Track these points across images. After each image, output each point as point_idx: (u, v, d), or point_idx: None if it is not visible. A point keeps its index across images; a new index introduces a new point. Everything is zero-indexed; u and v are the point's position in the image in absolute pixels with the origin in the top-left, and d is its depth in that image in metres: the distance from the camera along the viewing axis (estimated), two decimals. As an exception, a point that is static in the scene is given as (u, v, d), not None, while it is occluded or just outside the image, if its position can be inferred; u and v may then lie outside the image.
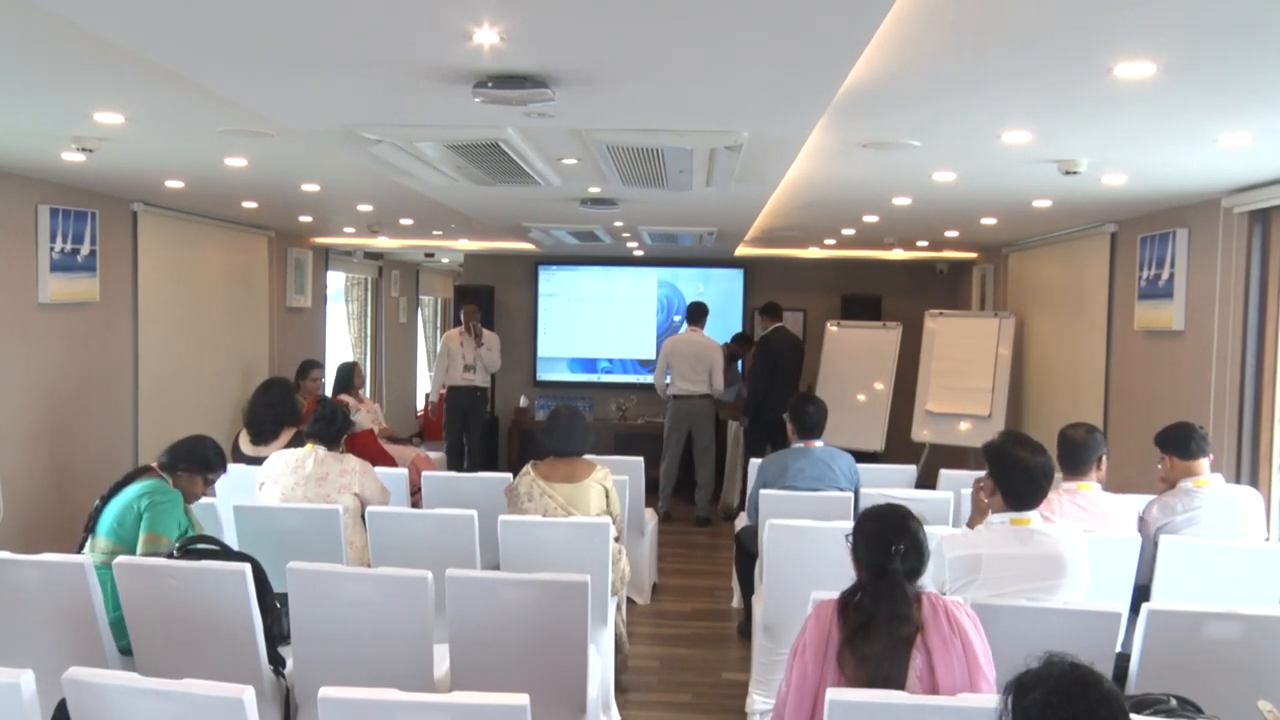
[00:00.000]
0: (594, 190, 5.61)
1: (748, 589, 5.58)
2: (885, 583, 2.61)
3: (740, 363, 9.53)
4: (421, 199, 5.97)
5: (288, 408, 5.69)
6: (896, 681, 2.52)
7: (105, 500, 3.89)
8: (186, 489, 4.00)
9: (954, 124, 3.77)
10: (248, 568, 3.41)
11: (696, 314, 8.85)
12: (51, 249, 5.73)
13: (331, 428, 4.83)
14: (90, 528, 3.86)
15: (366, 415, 7.76)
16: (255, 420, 5.67)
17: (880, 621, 2.56)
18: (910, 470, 6.11)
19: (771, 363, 8.51)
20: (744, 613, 5.81)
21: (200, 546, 3.65)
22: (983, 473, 3.41)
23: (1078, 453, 4.17)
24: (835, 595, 2.71)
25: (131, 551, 3.70)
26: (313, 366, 7.65)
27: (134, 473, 4.01)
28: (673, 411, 8.70)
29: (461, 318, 9.43)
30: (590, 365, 11.00)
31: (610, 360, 10.94)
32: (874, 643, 2.55)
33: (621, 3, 2.37)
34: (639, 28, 2.56)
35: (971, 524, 3.58)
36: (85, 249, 6.06)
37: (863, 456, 6.07)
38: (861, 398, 8.99)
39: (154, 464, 4.03)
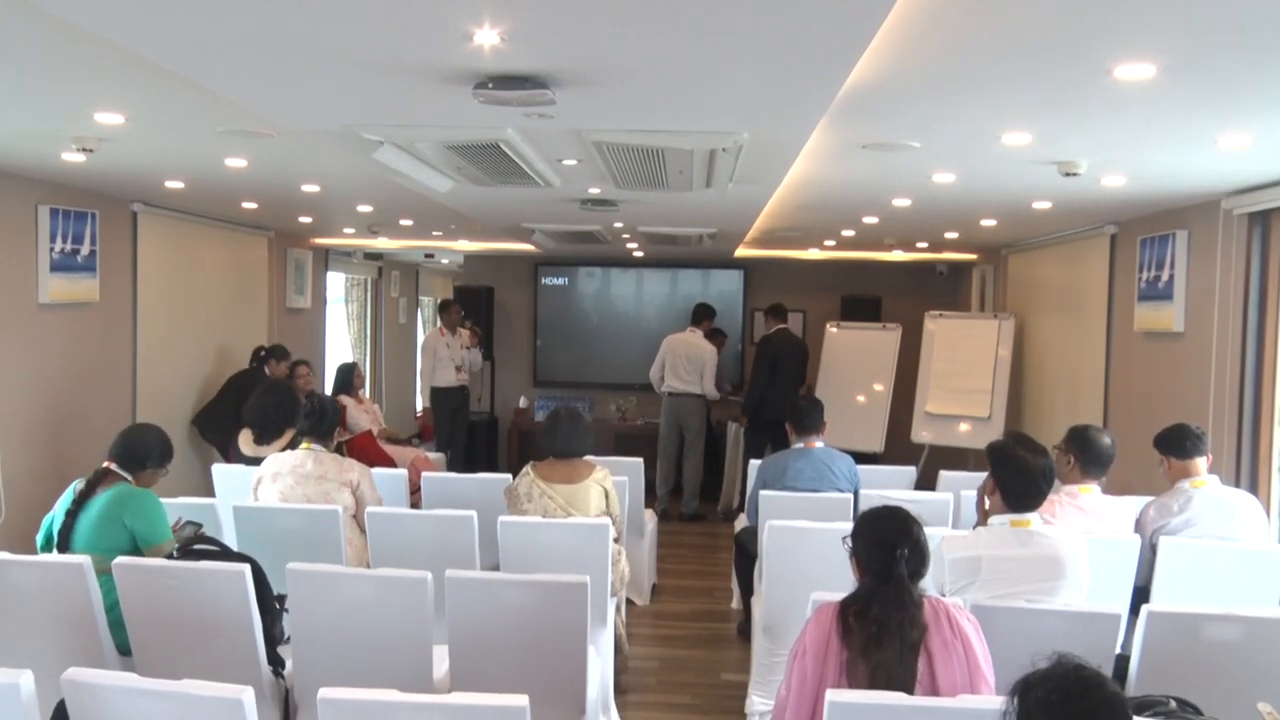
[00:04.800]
0: (594, 191, 5.61)
1: (747, 590, 5.58)
2: (892, 587, 2.60)
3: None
4: (421, 200, 5.97)
5: (292, 408, 5.69)
6: (907, 686, 2.51)
7: (74, 514, 3.79)
8: (150, 482, 3.99)
9: (954, 125, 3.77)
10: (247, 568, 3.41)
11: (698, 315, 9.10)
12: (51, 249, 5.73)
13: (323, 422, 4.82)
14: (63, 545, 3.76)
15: (366, 416, 7.76)
16: (263, 420, 5.67)
17: (892, 628, 2.55)
18: (910, 471, 6.12)
19: (771, 363, 8.57)
20: (743, 614, 5.81)
21: (200, 547, 3.65)
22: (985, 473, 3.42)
23: (1106, 456, 4.19)
24: (834, 597, 2.71)
25: (112, 559, 3.56)
26: (271, 355, 7.65)
27: (95, 480, 3.89)
28: (665, 408, 9.01)
29: (443, 318, 9.41)
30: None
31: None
32: (886, 650, 2.54)
33: (622, 4, 2.37)
34: (639, 29, 2.56)
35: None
36: (85, 249, 6.06)
37: (862, 458, 6.07)
38: (861, 399, 9.00)
39: (108, 465, 3.92)
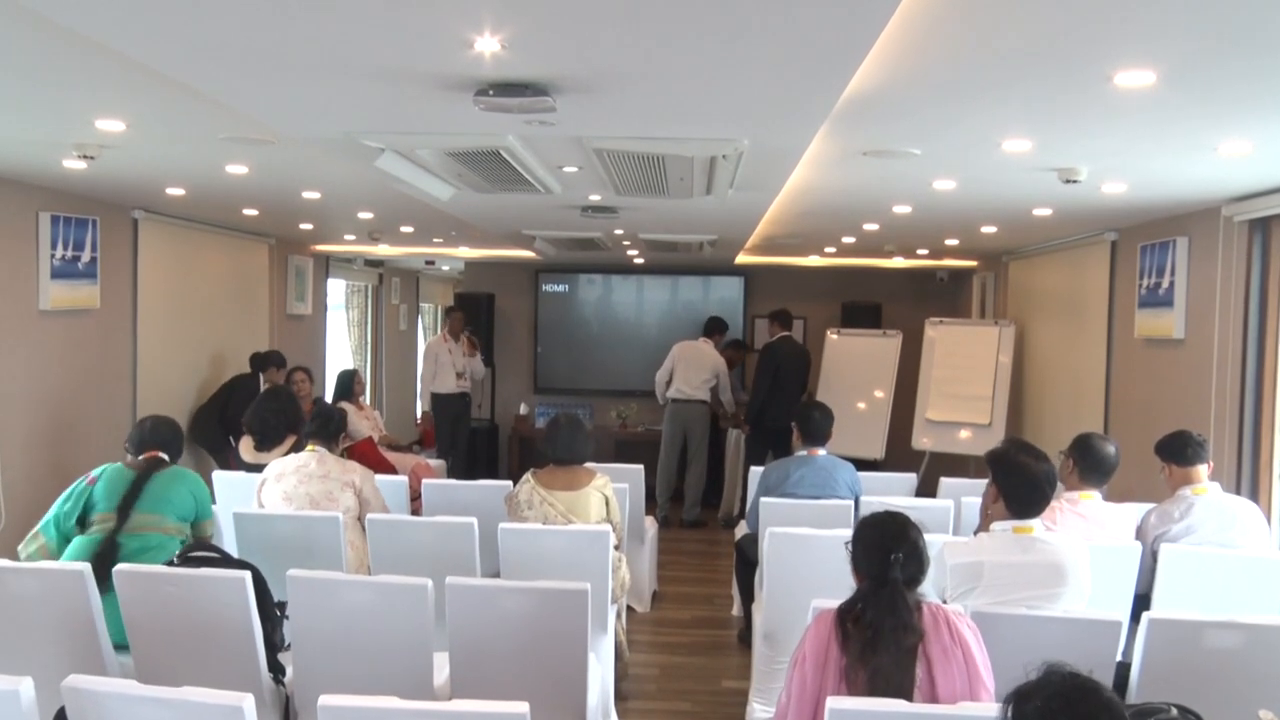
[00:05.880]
0: (594, 198, 5.62)
1: (748, 597, 5.58)
2: (886, 592, 2.60)
3: (741, 371, 9.56)
4: (422, 206, 5.98)
5: (293, 415, 5.70)
6: (906, 692, 2.51)
7: (137, 489, 4.04)
8: None
9: (955, 132, 3.78)
10: (248, 575, 3.41)
11: (712, 327, 9.21)
12: (52, 256, 5.74)
13: (329, 426, 4.88)
14: (124, 512, 3.98)
15: (366, 423, 7.76)
16: (263, 427, 5.67)
17: (886, 633, 2.55)
18: (911, 478, 6.12)
19: (773, 370, 8.57)
20: (744, 620, 5.81)
21: (200, 554, 3.65)
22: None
23: (1107, 465, 4.18)
24: (835, 604, 2.70)
25: (174, 521, 4.07)
26: (269, 364, 7.77)
27: (153, 464, 4.19)
28: (670, 414, 9.01)
29: (447, 325, 9.47)
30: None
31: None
32: (882, 655, 2.53)
33: (623, 12, 2.37)
34: (640, 35, 2.56)
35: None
36: (86, 256, 6.07)
37: (863, 464, 6.06)
38: (862, 405, 8.99)
39: (154, 454, 4.23)
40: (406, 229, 7.88)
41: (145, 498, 4.02)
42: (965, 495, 5.03)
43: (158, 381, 7.01)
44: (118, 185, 5.67)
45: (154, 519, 3.96)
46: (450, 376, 9.14)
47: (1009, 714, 1.88)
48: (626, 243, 8.29)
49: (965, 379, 8.47)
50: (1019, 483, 3.26)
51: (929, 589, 2.83)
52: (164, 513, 4.02)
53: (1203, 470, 4.24)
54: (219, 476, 5.55)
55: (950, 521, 5.00)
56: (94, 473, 4.13)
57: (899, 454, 8.68)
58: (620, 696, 4.72)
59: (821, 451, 5.40)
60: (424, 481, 5.56)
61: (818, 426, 5.41)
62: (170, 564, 3.60)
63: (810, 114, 3.37)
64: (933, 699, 2.54)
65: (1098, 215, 5.94)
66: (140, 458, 4.23)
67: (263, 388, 7.55)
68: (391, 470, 6.36)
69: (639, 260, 10.09)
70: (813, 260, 9.93)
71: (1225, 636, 3.10)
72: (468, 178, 4.71)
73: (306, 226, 7.91)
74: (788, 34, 2.49)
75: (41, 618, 3.48)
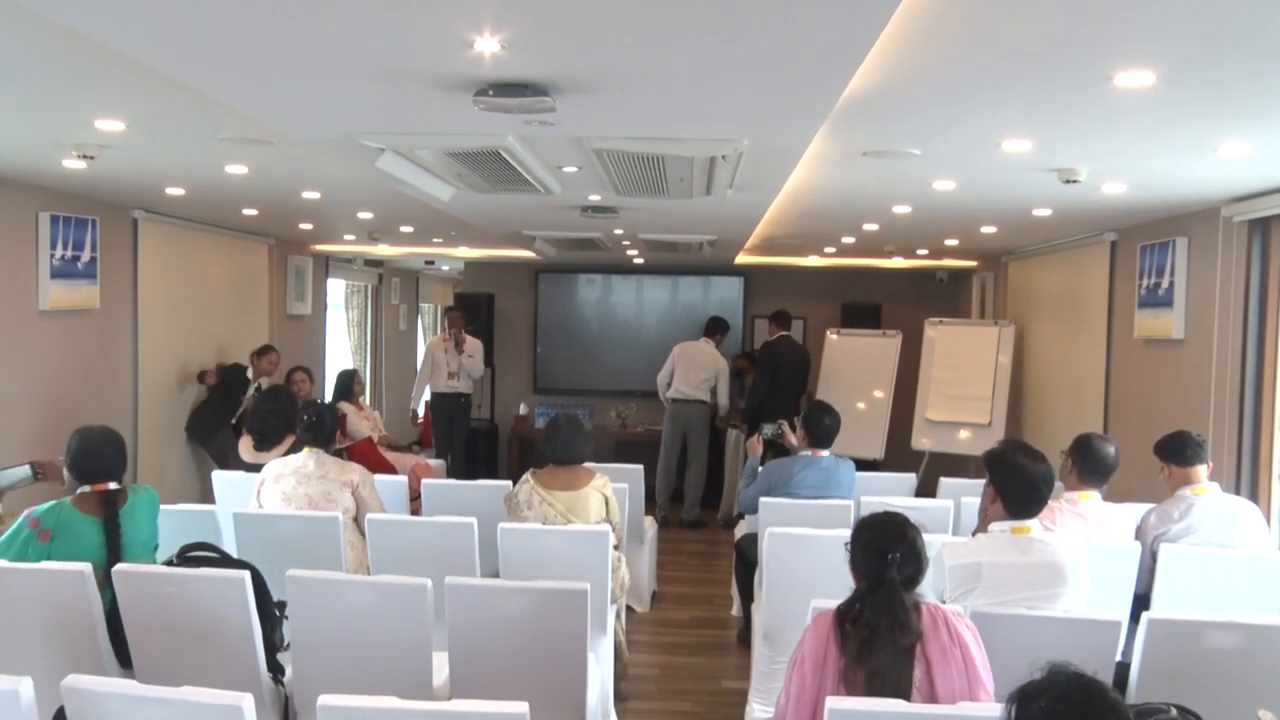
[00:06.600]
0: (594, 198, 5.62)
1: (747, 597, 5.58)
2: (883, 592, 2.60)
3: (743, 380, 9.55)
4: (422, 206, 5.98)
5: (292, 415, 5.70)
6: (904, 692, 2.51)
7: (115, 536, 3.64)
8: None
9: (954, 133, 3.78)
10: (247, 575, 3.41)
11: (713, 327, 9.22)
12: (52, 256, 5.74)
13: (323, 430, 4.80)
14: (115, 556, 3.61)
15: (366, 423, 7.76)
16: (263, 426, 5.67)
17: (882, 633, 2.55)
18: (910, 478, 6.12)
19: (772, 369, 8.58)
20: (743, 620, 5.81)
21: (199, 554, 3.64)
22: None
23: (1106, 465, 4.17)
24: (834, 604, 2.70)
25: (152, 554, 3.80)
26: (259, 355, 7.80)
27: (109, 501, 3.70)
28: (670, 414, 9.04)
29: (444, 324, 9.49)
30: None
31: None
32: (879, 655, 2.53)
33: (622, 13, 2.38)
34: (640, 36, 2.56)
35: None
36: (86, 256, 6.07)
37: (863, 464, 6.06)
38: (861, 406, 8.99)
39: (106, 486, 3.72)
40: (406, 229, 7.89)
41: (127, 549, 3.65)
42: (965, 495, 5.03)
43: (157, 381, 7.01)
44: (117, 185, 5.67)
45: (140, 564, 3.60)
46: (444, 376, 9.15)
47: (1012, 714, 1.88)
48: (626, 243, 8.29)
49: (965, 379, 8.47)
50: (1016, 483, 3.26)
51: (928, 590, 2.83)
52: (144, 555, 3.72)
53: (1202, 470, 4.24)
54: (218, 476, 5.55)
55: (950, 522, 5.00)
56: (39, 518, 3.62)
57: (899, 454, 8.68)
58: (620, 696, 4.72)
59: (825, 453, 5.40)
60: (423, 481, 5.56)
61: (827, 431, 5.40)
62: (169, 563, 3.59)
63: (810, 114, 3.37)
64: (932, 699, 2.54)
65: (1098, 215, 5.94)
66: (89, 490, 3.68)
67: (250, 376, 7.59)
68: (391, 470, 6.36)
69: (639, 260, 10.09)
70: (813, 260, 9.93)
71: (1225, 636, 3.10)
72: (468, 178, 4.71)
73: (306, 226, 7.91)
74: (788, 34, 2.49)
75: (41, 618, 3.48)
